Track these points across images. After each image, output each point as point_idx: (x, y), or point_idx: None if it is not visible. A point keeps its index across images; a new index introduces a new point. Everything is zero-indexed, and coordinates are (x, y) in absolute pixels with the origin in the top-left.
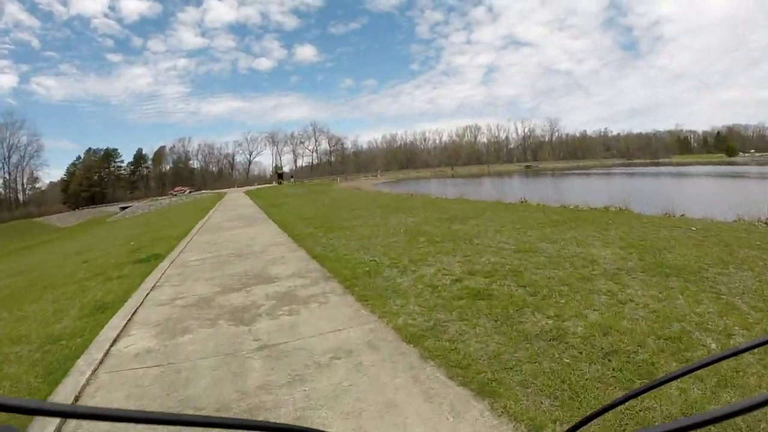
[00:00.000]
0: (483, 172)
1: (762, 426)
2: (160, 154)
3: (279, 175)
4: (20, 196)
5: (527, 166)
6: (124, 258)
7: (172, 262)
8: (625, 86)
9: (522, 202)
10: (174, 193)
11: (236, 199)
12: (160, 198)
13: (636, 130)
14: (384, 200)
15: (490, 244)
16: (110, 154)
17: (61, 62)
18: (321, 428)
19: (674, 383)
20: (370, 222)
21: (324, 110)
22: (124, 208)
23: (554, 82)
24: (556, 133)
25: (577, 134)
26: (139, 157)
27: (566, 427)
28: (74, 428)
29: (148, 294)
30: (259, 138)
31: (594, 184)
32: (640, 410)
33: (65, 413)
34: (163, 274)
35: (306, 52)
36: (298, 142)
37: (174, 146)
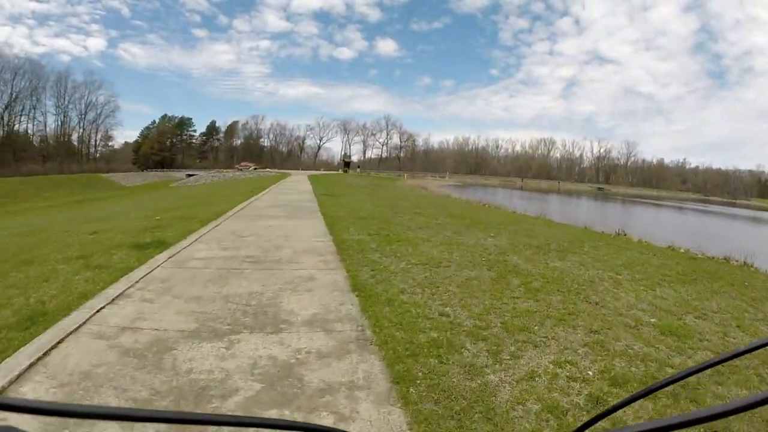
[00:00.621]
0: (553, 188)
1: None
2: (232, 128)
3: (346, 164)
4: (92, 152)
5: (599, 188)
6: (130, 237)
7: (170, 258)
8: (708, 117)
9: (619, 234)
10: (239, 167)
11: (295, 182)
12: (225, 171)
13: (715, 165)
14: (454, 207)
15: (618, 309)
16: (184, 123)
17: (148, 32)
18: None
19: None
20: (439, 237)
21: (398, 106)
22: (190, 176)
23: (635, 104)
24: (632, 158)
25: (654, 162)
26: (212, 129)
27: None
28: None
29: (92, 315)
30: (332, 125)
31: (678, 220)
32: None
33: (65, 413)
34: (144, 276)
35: (387, 46)
36: (370, 133)
37: (247, 122)
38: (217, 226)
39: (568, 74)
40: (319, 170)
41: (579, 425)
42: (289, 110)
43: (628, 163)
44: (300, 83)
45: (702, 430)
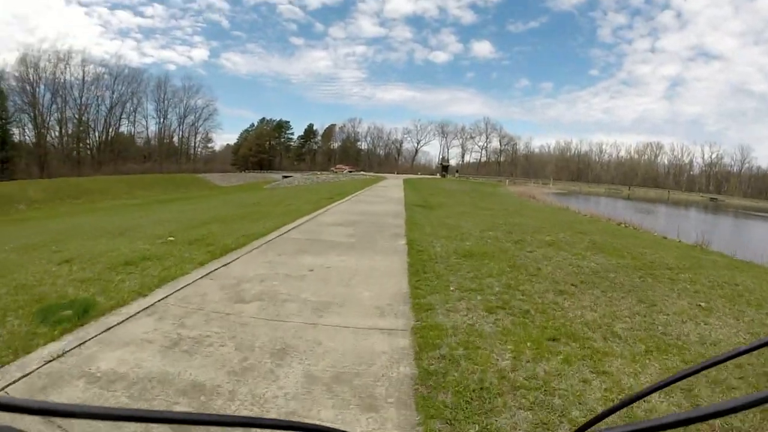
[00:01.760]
0: (662, 197)
1: None
2: (329, 131)
3: (443, 168)
4: (192, 153)
5: (712, 199)
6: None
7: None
8: None
9: None
10: (335, 170)
11: (387, 187)
12: (319, 173)
13: None
14: (590, 229)
15: None
16: (282, 126)
17: (247, 41)
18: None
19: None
20: (618, 302)
21: (495, 109)
22: (286, 177)
23: (744, 104)
24: (747, 165)
25: None
26: (309, 132)
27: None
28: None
29: None
30: (429, 127)
31: None
32: None
33: (66, 413)
34: None
35: (482, 48)
36: (468, 136)
37: (344, 125)
38: (224, 266)
39: (671, 72)
40: (417, 174)
41: (580, 426)
42: (386, 114)
43: (742, 171)
44: (396, 87)
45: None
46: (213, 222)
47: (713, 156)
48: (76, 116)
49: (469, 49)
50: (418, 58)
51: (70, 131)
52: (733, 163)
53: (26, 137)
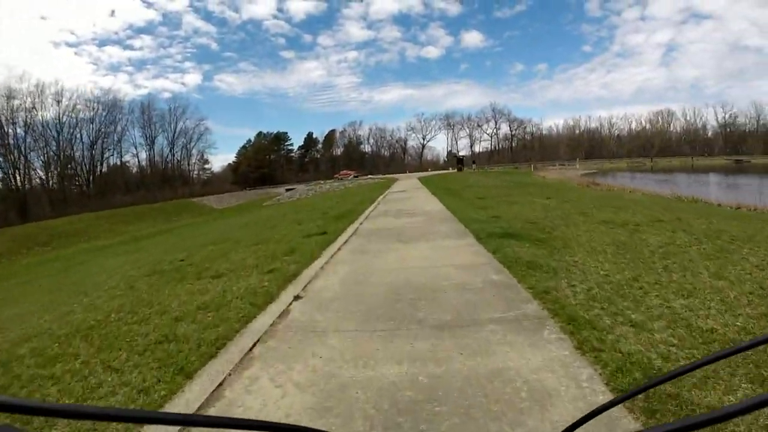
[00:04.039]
0: (686, 165)
1: None
2: (330, 138)
3: (458, 161)
4: (189, 176)
5: (737, 161)
6: None
7: None
8: None
9: None
10: (339, 176)
11: (407, 192)
12: (322, 182)
13: None
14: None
15: None
16: (280, 137)
17: (239, 61)
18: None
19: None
20: None
21: (494, 97)
22: (289, 189)
23: (743, 61)
24: (762, 122)
25: None
26: (309, 141)
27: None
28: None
29: None
30: (434, 121)
31: None
32: None
33: (67, 413)
34: None
35: (473, 38)
36: (476, 125)
37: (345, 130)
38: None
39: (665, 39)
40: (428, 171)
41: (568, 425)
42: (387, 115)
43: (758, 128)
44: (393, 87)
45: None
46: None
47: (727, 116)
48: (56, 154)
49: (460, 41)
50: (411, 56)
51: (54, 170)
52: (747, 121)
53: (8, 182)
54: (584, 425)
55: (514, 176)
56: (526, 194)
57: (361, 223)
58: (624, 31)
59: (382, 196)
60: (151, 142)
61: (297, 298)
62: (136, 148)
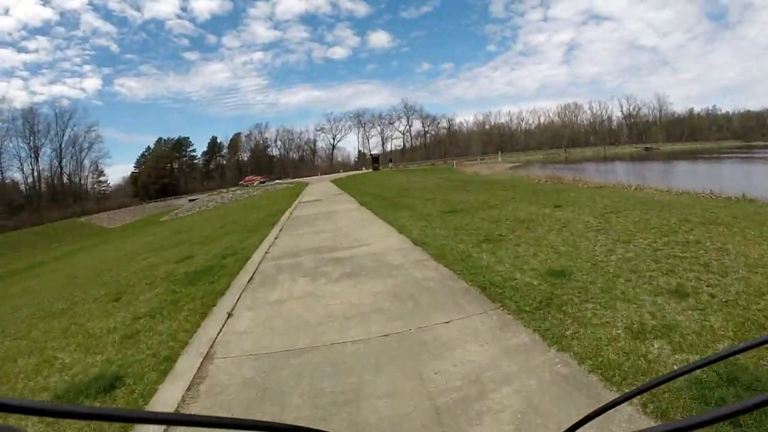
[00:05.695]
0: (598, 155)
1: None
2: (236, 142)
3: (374, 159)
4: (83, 191)
5: (646, 149)
6: None
7: None
8: (715, 61)
9: None
10: (244, 183)
11: (327, 202)
12: (225, 191)
13: (741, 108)
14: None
15: None
16: (181, 143)
17: (140, 63)
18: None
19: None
20: None
21: (402, 96)
22: (193, 200)
23: (638, 58)
24: (664, 112)
25: (684, 113)
26: (214, 145)
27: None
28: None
29: None
30: (343, 120)
31: None
32: None
33: (67, 413)
34: None
35: (379, 39)
36: (387, 122)
37: (250, 133)
38: None
39: (566, 38)
40: (338, 172)
41: (570, 425)
42: (295, 117)
43: (661, 118)
44: (300, 89)
45: None
46: None
47: (632, 108)
48: None
49: (367, 41)
50: (318, 57)
51: None
52: (650, 112)
53: None
54: (584, 426)
55: (444, 173)
56: (509, 200)
57: (270, 242)
58: (527, 31)
59: (288, 213)
60: (35, 154)
61: None
62: (20, 162)
